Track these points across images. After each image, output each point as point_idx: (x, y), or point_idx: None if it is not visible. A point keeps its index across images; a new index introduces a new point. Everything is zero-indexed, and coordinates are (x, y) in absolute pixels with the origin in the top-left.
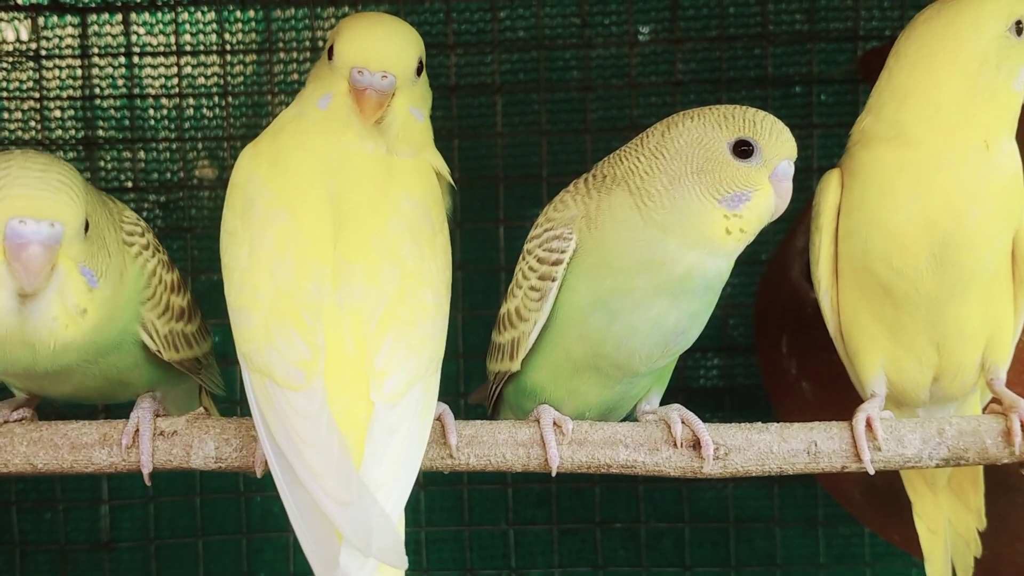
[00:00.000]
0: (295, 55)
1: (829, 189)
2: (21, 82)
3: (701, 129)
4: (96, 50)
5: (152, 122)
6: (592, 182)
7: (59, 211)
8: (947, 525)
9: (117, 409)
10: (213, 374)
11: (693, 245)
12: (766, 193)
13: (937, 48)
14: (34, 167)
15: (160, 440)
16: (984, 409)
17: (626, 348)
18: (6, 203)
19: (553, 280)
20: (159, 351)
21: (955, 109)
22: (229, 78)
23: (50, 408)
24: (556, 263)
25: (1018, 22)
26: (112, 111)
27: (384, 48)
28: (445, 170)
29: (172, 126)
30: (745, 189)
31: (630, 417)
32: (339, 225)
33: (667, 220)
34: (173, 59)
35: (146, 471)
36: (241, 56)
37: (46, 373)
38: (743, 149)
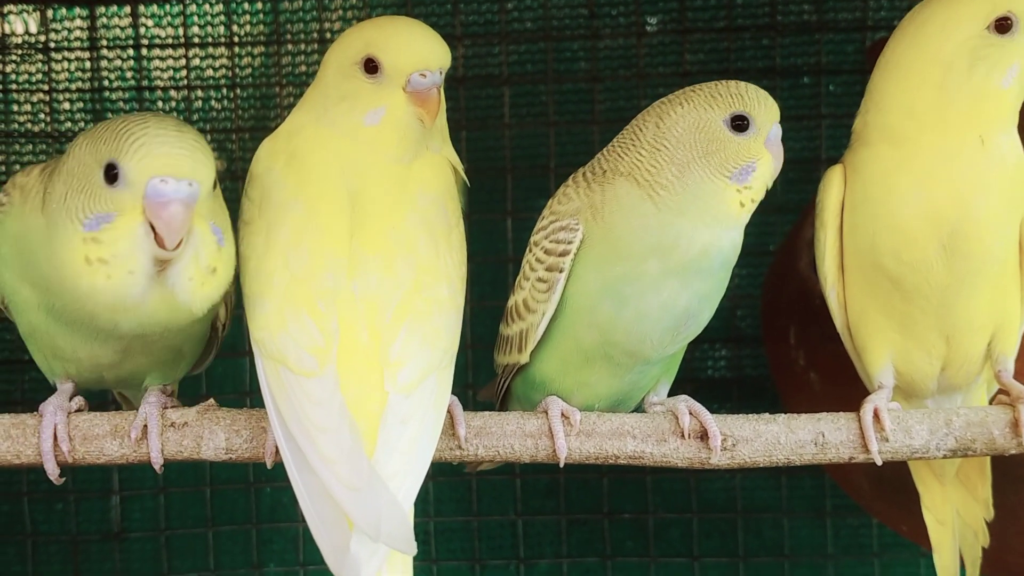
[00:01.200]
0: (303, 47)
1: (832, 186)
2: (30, 74)
3: (695, 113)
4: (105, 42)
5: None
6: (592, 176)
7: (197, 170)
8: (955, 516)
9: (126, 401)
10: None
11: (709, 224)
12: (767, 160)
13: (905, 54)
14: (170, 127)
15: (171, 431)
16: (991, 400)
17: (637, 334)
18: (147, 161)
19: (561, 271)
20: (224, 324)
21: (931, 111)
22: (237, 70)
23: None
24: (563, 254)
25: (1001, 19)
26: (121, 103)
27: (434, 45)
28: (460, 166)
29: (180, 118)
30: (750, 161)
31: (638, 409)
32: (356, 218)
33: (683, 205)
34: (181, 51)
35: (157, 465)
36: (249, 48)
37: (144, 344)
38: (738, 123)
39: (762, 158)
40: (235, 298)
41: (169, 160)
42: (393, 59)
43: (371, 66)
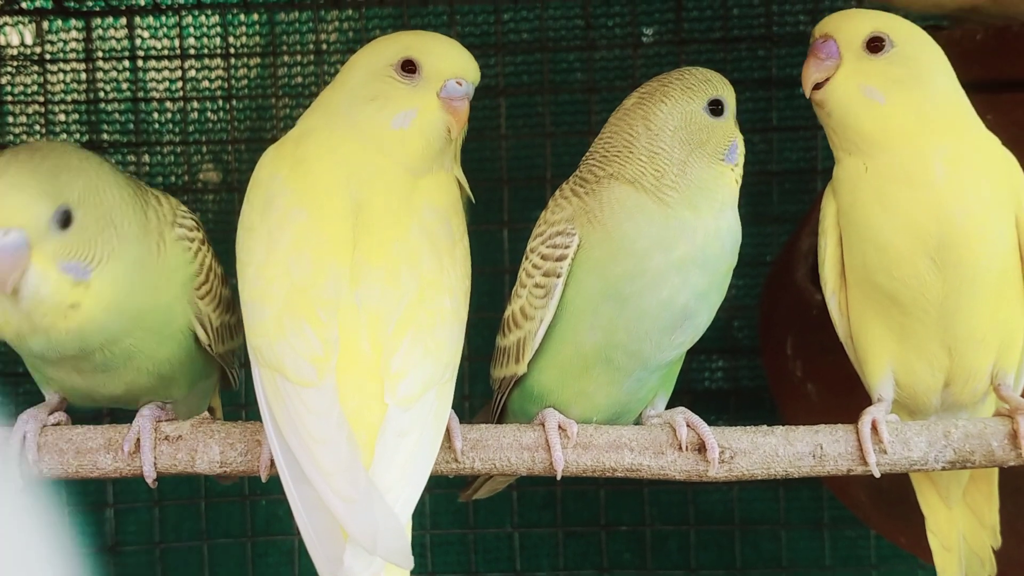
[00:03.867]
0: (299, 58)
1: (832, 195)
2: (26, 86)
3: (679, 108)
4: (100, 54)
5: (156, 126)
6: (580, 187)
7: (12, 217)
8: (961, 542)
9: (121, 414)
10: (237, 365)
11: (717, 210)
12: (740, 136)
13: None
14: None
15: (165, 444)
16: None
17: (638, 332)
18: None
19: (558, 276)
20: (210, 344)
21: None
22: (233, 81)
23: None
24: (560, 259)
25: (874, 39)
26: (116, 115)
27: (471, 58)
28: (466, 184)
29: (176, 130)
30: (732, 140)
31: (636, 423)
32: (360, 230)
33: (693, 199)
34: (177, 63)
35: (149, 480)
36: (245, 59)
37: (105, 366)
38: (715, 108)
39: (737, 135)
40: (237, 310)
41: None
42: (435, 62)
43: (409, 67)
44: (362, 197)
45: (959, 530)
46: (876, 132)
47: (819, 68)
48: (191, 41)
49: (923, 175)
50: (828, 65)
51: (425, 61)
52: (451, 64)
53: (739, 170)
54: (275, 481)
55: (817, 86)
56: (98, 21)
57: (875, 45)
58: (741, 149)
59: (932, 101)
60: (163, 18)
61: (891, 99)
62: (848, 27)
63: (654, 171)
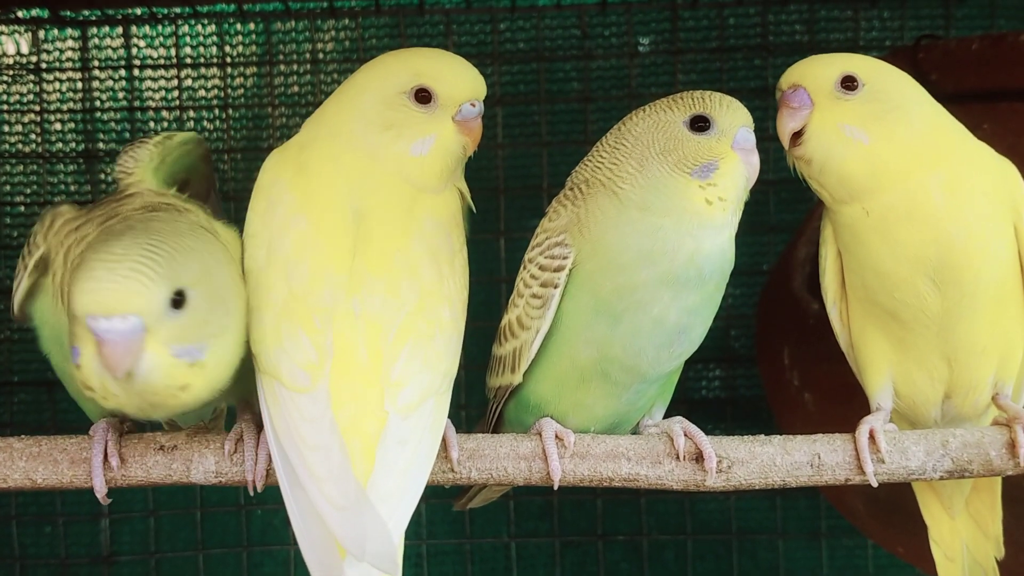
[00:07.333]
0: (295, 67)
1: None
2: (22, 95)
3: (655, 115)
4: (97, 63)
5: (153, 135)
6: (571, 194)
7: (129, 302)
8: (964, 552)
9: None
10: None
11: (681, 223)
12: (733, 160)
13: None
14: (110, 253)
15: (160, 455)
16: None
17: (633, 348)
18: (79, 299)
19: (555, 287)
20: None
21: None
22: (229, 90)
23: (51, 424)
24: (558, 269)
25: (847, 78)
26: (113, 124)
27: (479, 76)
28: (468, 194)
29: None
30: (711, 159)
31: (633, 432)
32: (360, 238)
33: (646, 199)
34: (173, 72)
35: (259, 481)
36: (241, 68)
37: (185, 418)
38: (699, 125)
39: (726, 158)
40: None
41: (95, 296)
42: (449, 89)
43: (423, 95)
44: (363, 207)
45: (962, 540)
46: (866, 174)
47: (794, 117)
48: (187, 50)
49: (924, 209)
50: (802, 113)
51: (439, 89)
52: (465, 88)
53: (716, 191)
54: (271, 491)
55: (794, 140)
56: (94, 30)
57: (849, 84)
58: (725, 171)
59: (915, 131)
60: (159, 27)
61: (874, 136)
62: (816, 72)
63: (612, 163)
